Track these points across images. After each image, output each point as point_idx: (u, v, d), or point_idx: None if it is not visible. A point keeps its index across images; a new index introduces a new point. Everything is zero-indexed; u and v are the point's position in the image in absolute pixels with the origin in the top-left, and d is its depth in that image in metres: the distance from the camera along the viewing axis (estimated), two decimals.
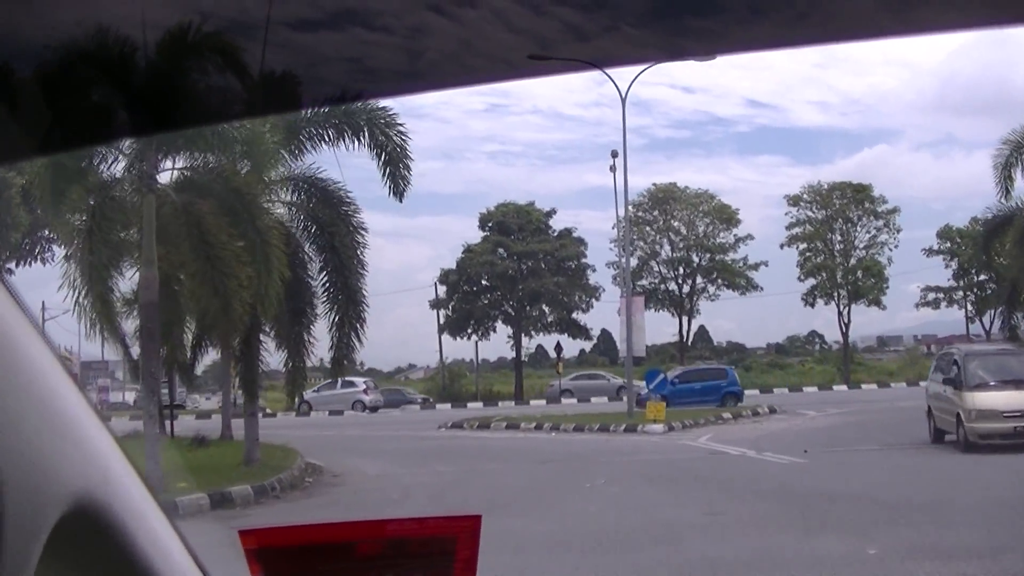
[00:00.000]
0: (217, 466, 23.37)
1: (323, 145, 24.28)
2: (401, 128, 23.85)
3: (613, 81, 40.58)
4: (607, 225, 75.49)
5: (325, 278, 25.24)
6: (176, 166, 21.38)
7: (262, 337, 26.54)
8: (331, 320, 25.07)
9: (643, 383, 45.89)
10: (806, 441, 29.08)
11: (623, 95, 41.68)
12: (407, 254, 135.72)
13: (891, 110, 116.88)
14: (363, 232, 25.50)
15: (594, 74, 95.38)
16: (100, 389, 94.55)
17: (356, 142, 24.18)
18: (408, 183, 24.29)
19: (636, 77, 41.70)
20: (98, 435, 1.52)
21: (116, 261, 20.87)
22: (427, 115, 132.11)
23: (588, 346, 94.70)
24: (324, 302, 25.30)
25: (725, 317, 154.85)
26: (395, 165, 23.96)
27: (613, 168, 49.10)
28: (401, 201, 24.61)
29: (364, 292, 25.56)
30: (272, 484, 22.42)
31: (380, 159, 24.19)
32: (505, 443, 34.95)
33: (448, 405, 65.52)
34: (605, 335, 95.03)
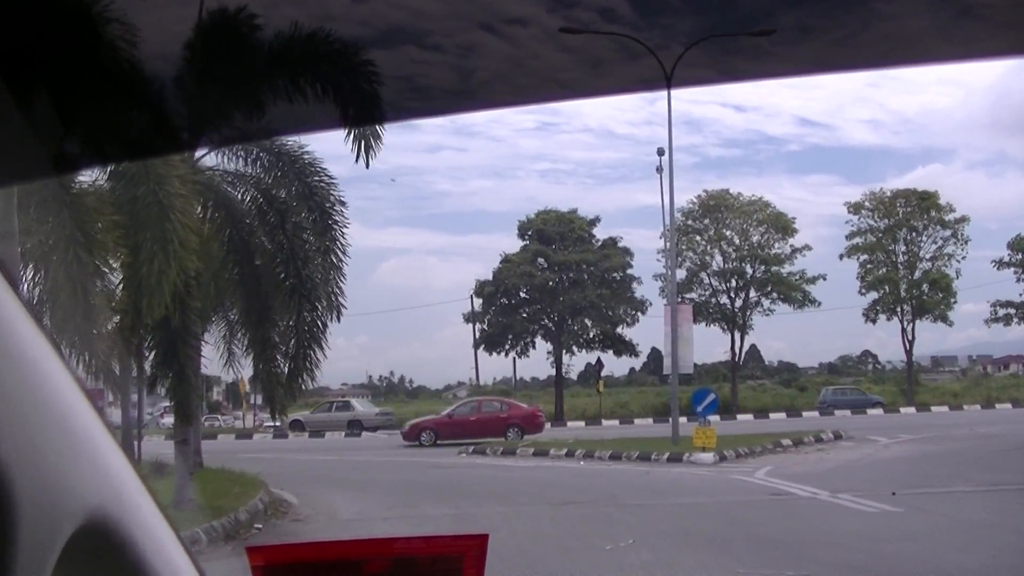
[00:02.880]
0: None
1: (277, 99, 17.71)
2: (374, 73, 17.38)
3: (656, 56, 33.90)
4: (657, 244, 69.26)
5: (280, 269, 19.00)
6: None
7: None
8: (286, 324, 18.87)
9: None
10: (888, 478, 22.76)
11: (668, 73, 34.99)
12: (457, 272, 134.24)
13: (944, 129, 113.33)
14: (337, 211, 19.31)
15: (644, 92, 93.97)
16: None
17: (318, 94, 17.68)
18: (377, 142, 18.18)
19: (685, 51, 34.93)
20: (112, 452, 1.54)
21: None
22: (478, 133, 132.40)
23: (638, 364, 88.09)
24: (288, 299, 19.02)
25: (774, 336, 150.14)
26: (362, 122, 17.55)
27: (660, 169, 43.10)
28: (367, 166, 18.42)
29: (334, 286, 19.36)
30: (195, 535, 16.16)
31: (346, 116, 17.76)
32: (525, 475, 29.58)
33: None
34: (655, 353, 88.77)
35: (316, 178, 20.16)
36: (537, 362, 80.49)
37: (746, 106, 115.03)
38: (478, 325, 72.68)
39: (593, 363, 68.31)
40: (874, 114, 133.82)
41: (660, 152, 45.74)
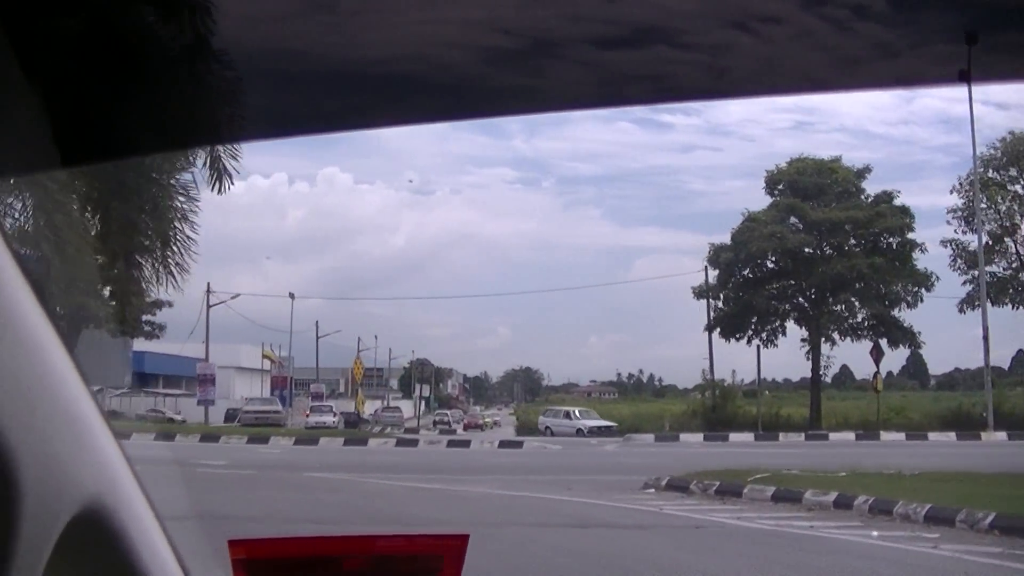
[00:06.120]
0: None
1: None
2: None
3: None
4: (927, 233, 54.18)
5: None
6: None
7: None
8: None
9: None
10: None
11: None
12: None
13: None
14: None
15: (902, 91, 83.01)
16: (314, 395, 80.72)
17: None
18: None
19: None
20: (109, 444, 1.60)
21: None
22: (732, 133, 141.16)
23: (898, 362, 72.59)
24: None
25: None
26: None
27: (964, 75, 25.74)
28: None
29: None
30: None
31: None
32: None
33: (700, 436, 41.09)
34: (915, 356, 71.56)
35: None
36: (788, 354, 63.70)
37: (1009, 103, 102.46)
38: (713, 302, 60.63)
39: (847, 366, 52.36)
40: None
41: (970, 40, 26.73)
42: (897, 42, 1.54)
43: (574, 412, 61.19)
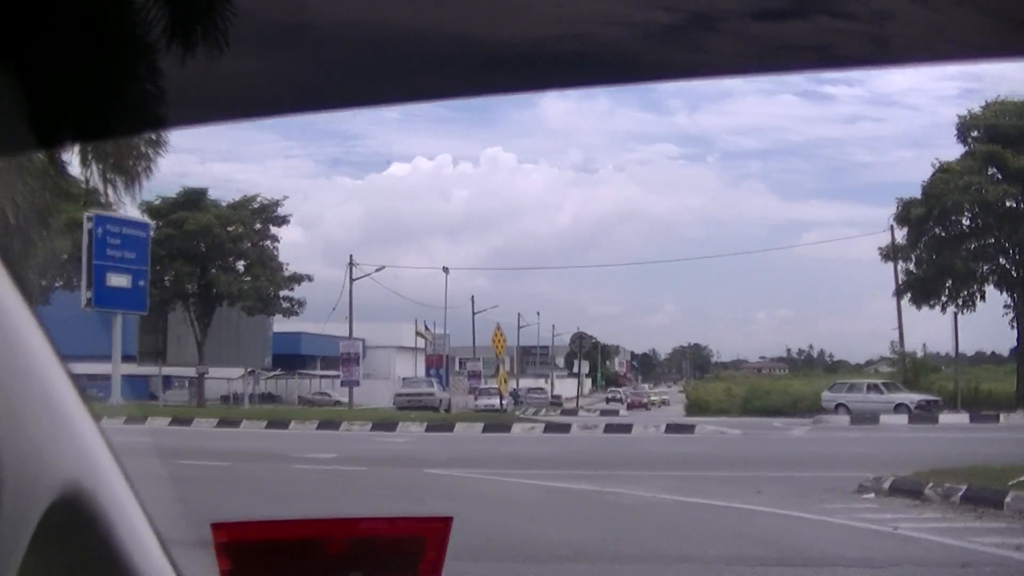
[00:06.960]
0: None
1: None
2: None
3: None
4: None
5: None
6: None
7: None
8: None
9: None
10: None
11: None
12: (881, 243, 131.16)
13: None
14: None
15: None
16: (471, 375, 76.04)
17: None
18: None
19: None
20: (89, 428, 1.61)
21: None
22: (895, 103, 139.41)
23: None
24: None
25: None
26: None
27: None
28: None
29: None
30: None
31: None
32: None
33: (903, 417, 35.97)
34: None
35: None
36: (972, 324, 56.61)
37: None
38: (903, 265, 55.03)
39: None
40: None
41: None
42: None
43: (882, 385, 52.12)
